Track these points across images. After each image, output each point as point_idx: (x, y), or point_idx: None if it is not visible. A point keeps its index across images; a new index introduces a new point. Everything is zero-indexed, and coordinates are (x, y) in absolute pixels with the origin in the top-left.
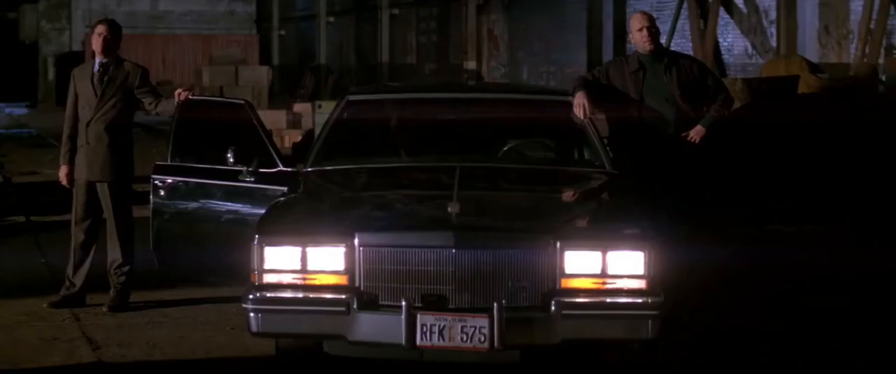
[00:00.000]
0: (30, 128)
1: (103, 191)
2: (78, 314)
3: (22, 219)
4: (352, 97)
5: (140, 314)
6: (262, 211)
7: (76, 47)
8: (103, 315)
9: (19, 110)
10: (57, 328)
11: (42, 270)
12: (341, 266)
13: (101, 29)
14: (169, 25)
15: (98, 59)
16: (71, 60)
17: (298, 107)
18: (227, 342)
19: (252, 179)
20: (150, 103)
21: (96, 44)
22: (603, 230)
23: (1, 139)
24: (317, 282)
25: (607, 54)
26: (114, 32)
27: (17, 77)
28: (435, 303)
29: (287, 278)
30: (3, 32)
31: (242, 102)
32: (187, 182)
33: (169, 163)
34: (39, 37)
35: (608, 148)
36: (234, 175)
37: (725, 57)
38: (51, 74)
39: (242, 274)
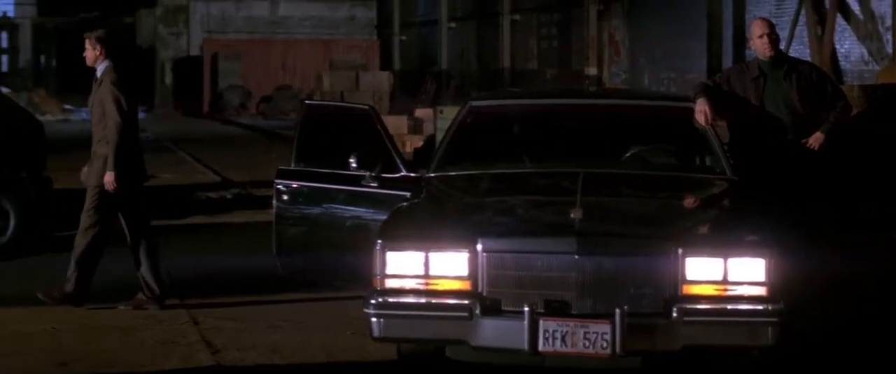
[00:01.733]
0: (146, 133)
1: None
2: (196, 317)
3: None
4: (475, 103)
5: (261, 318)
6: (385, 216)
7: (194, 52)
8: (224, 319)
9: None
10: (175, 332)
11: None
12: (464, 272)
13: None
14: (288, 30)
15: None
16: (188, 65)
17: (420, 112)
18: (349, 346)
19: (375, 184)
20: None
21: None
22: (724, 237)
23: None
24: (439, 287)
25: (727, 61)
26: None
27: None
28: (557, 309)
29: (410, 284)
30: (119, 37)
31: (366, 107)
32: (310, 187)
33: (292, 168)
34: (156, 42)
35: (728, 154)
36: (357, 180)
37: (842, 63)
38: (168, 79)
39: (364, 279)
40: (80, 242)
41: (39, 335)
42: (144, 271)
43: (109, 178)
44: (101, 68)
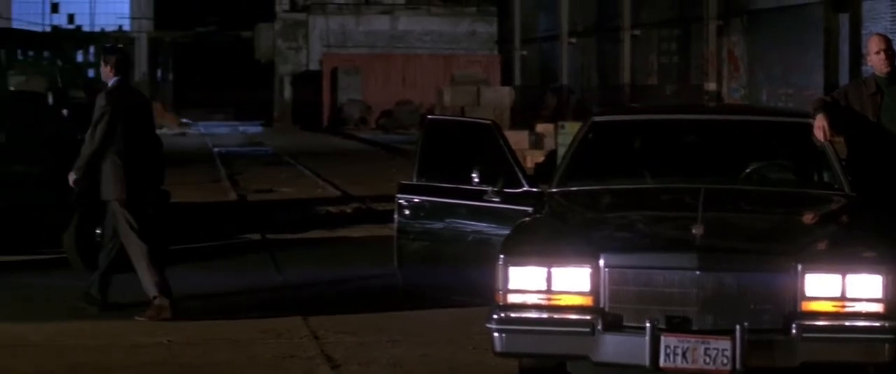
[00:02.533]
0: (265, 146)
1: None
2: (316, 332)
3: (257, 237)
4: (597, 119)
5: (381, 332)
6: (507, 231)
7: (313, 67)
8: (344, 333)
9: (254, 129)
10: (294, 346)
11: (278, 288)
12: (586, 287)
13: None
14: (409, 45)
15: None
16: (307, 79)
17: (541, 127)
18: (470, 360)
19: (497, 199)
20: None
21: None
22: (842, 254)
23: (235, 157)
24: (561, 302)
25: (843, 77)
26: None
27: (252, 96)
28: (679, 325)
29: (532, 299)
30: (238, 52)
31: (489, 122)
32: (432, 202)
33: (414, 182)
34: (275, 56)
35: (846, 170)
36: (479, 195)
37: None
38: (287, 93)
39: (486, 293)
40: (136, 252)
41: (155, 348)
42: (100, 274)
43: (71, 177)
44: (110, 84)
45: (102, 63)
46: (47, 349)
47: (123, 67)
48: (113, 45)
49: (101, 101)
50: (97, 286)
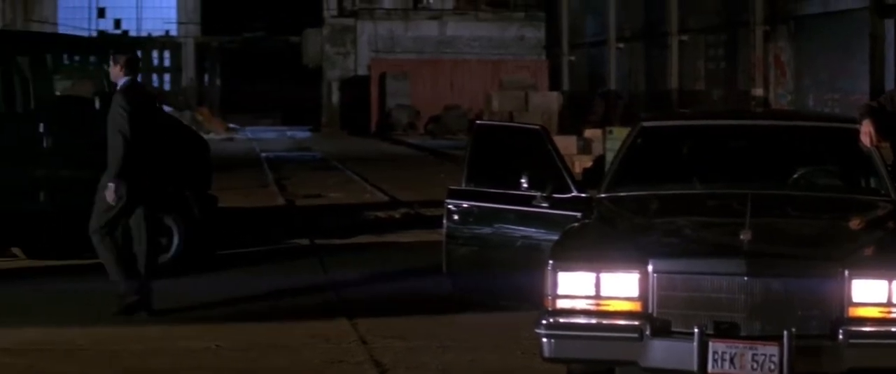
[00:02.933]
0: (313, 151)
1: None
2: (365, 337)
3: (306, 242)
4: (646, 124)
5: (429, 337)
6: (555, 236)
7: (361, 72)
8: (392, 338)
9: (302, 134)
10: (342, 351)
11: (326, 292)
12: (635, 292)
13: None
14: (457, 50)
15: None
16: (355, 85)
17: (589, 132)
18: (518, 366)
19: (546, 205)
20: None
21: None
22: (889, 259)
23: (283, 162)
24: (610, 308)
25: (889, 82)
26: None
27: (299, 101)
28: (726, 330)
29: (580, 304)
30: (286, 56)
31: (538, 127)
32: (481, 207)
33: (463, 187)
34: (323, 61)
35: (893, 175)
36: (528, 200)
37: None
38: (335, 98)
39: (534, 299)
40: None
41: (205, 353)
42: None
43: (110, 188)
44: (120, 84)
45: (112, 63)
46: (96, 353)
47: (133, 66)
48: (121, 45)
49: (120, 100)
50: (140, 293)
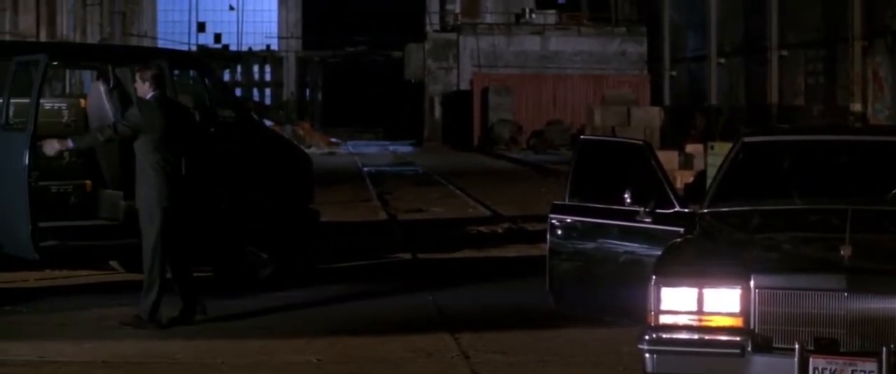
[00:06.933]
0: (415, 165)
1: None
2: (466, 351)
3: (408, 256)
4: (748, 139)
5: (531, 352)
6: (658, 252)
7: (463, 86)
8: (493, 352)
9: (404, 148)
10: (444, 365)
11: (429, 307)
12: (737, 308)
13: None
14: (559, 65)
15: None
16: (457, 99)
17: (690, 147)
18: None
19: (649, 220)
20: None
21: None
22: None
23: (385, 177)
24: (713, 323)
25: None
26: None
27: (401, 115)
28: (827, 346)
29: (683, 320)
30: (388, 71)
31: (641, 142)
32: (585, 222)
33: (567, 202)
34: (425, 76)
35: None
36: (631, 215)
37: None
38: (437, 113)
39: (636, 314)
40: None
41: (304, 367)
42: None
43: (52, 142)
44: (148, 98)
45: (139, 79)
46: (194, 366)
47: (160, 82)
48: (149, 62)
49: (145, 106)
50: (195, 304)
